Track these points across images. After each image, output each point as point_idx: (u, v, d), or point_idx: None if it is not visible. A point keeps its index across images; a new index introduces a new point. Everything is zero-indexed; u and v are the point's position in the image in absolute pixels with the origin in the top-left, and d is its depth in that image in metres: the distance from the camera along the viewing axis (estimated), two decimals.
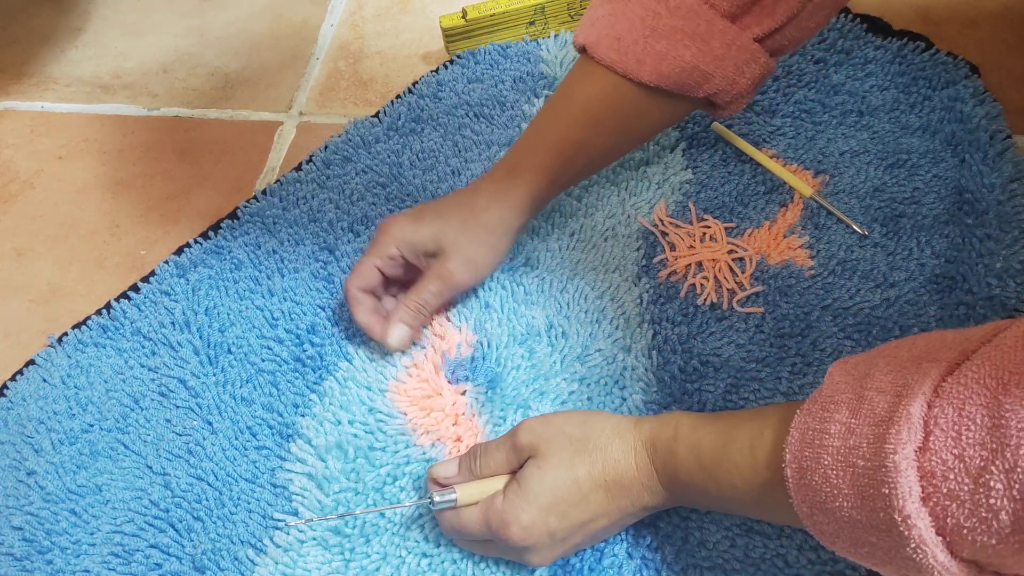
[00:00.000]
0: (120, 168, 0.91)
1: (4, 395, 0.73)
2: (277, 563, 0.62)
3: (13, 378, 0.74)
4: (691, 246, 0.75)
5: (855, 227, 0.75)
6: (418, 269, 0.70)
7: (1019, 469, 0.35)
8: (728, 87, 0.66)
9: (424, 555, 0.62)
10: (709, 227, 0.76)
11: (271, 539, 0.63)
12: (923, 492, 0.39)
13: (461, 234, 0.68)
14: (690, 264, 0.74)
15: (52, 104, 0.98)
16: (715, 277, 0.73)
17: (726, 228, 0.76)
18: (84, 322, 0.76)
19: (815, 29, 0.67)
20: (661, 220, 0.77)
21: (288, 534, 0.63)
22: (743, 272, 0.73)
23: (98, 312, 0.77)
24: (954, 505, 0.38)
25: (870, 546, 0.42)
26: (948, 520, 0.38)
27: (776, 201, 0.77)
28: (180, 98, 0.97)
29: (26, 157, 0.93)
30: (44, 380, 0.73)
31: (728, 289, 0.72)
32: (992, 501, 0.36)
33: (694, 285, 0.73)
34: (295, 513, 0.64)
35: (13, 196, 0.90)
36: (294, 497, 0.65)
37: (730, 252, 0.74)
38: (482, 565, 0.61)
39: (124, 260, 0.83)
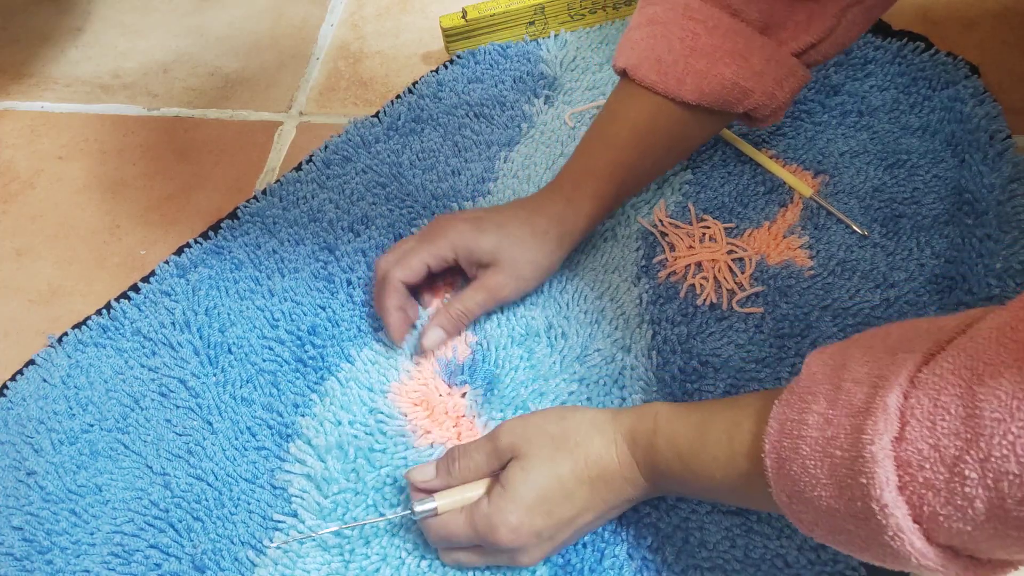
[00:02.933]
0: (120, 168, 0.91)
1: (4, 395, 0.73)
2: (277, 564, 0.62)
3: (13, 378, 0.74)
4: (691, 247, 0.75)
5: (855, 227, 0.75)
6: (456, 270, 0.71)
7: (993, 458, 0.36)
8: (767, 101, 0.67)
9: (424, 556, 0.62)
10: (709, 227, 0.76)
11: (271, 540, 0.63)
12: (900, 481, 0.39)
13: (519, 251, 0.68)
14: (689, 264, 0.74)
15: (52, 104, 0.98)
16: (715, 277, 0.73)
17: (726, 228, 0.76)
18: (84, 322, 0.76)
19: (849, 43, 0.68)
20: (660, 220, 0.77)
21: (287, 535, 0.63)
22: (743, 272, 0.73)
23: (98, 312, 0.77)
24: (930, 494, 0.38)
25: (848, 533, 0.43)
26: (924, 508, 0.39)
27: (776, 201, 0.77)
28: (180, 98, 0.97)
29: (26, 157, 0.93)
30: (44, 380, 0.73)
31: (728, 289, 0.72)
32: (967, 490, 0.37)
33: (693, 285, 0.73)
34: (295, 514, 0.64)
35: (13, 196, 0.90)
36: (294, 499, 0.65)
37: (730, 252, 0.74)
38: (483, 567, 0.61)
39: (124, 260, 0.83)
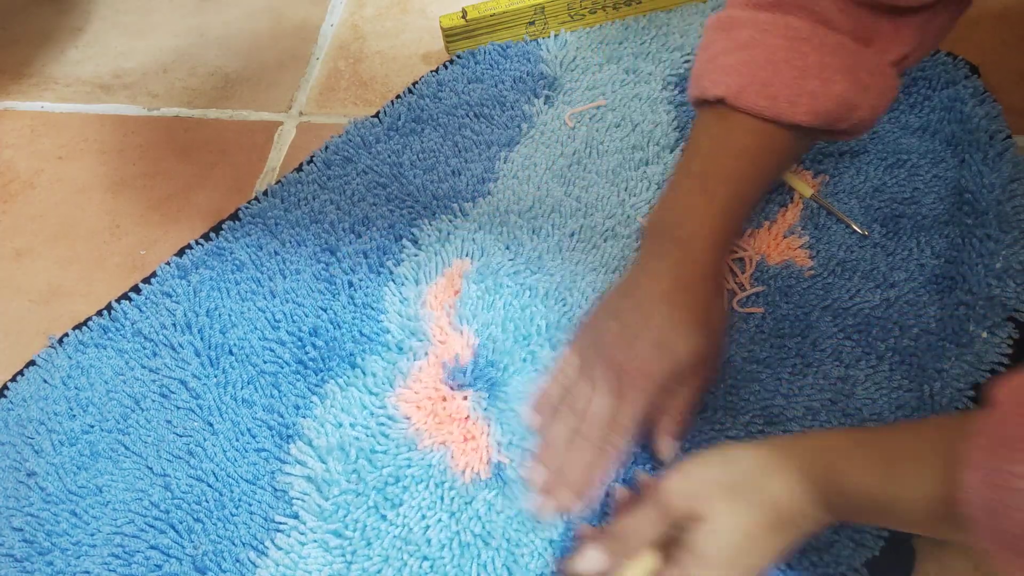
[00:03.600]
0: (120, 168, 0.91)
1: (4, 396, 0.73)
2: (278, 565, 0.62)
3: (14, 379, 0.74)
4: None
5: (855, 227, 0.75)
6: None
7: None
8: (871, 115, 0.64)
9: (425, 558, 0.62)
10: None
11: (272, 541, 0.63)
12: None
13: (705, 341, 0.63)
14: None
15: (52, 104, 0.98)
16: None
17: None
18: (85, 323, 0.76)
19: (934, 47, 0.66)
20: None
21: (289, 536, 0.63)
22: (743, 272, 0.73)
23: (99, 313, 0.77)
24: None
25: None
26: None
27: (776, 201, 0.77)
28: (180, 98, 0.97)
29: (26, 157, 0.93)
30: (45, 381, 0.73)
31: (728, 289, 0.72)
32: None
33: None
34: (296, 515, 0.64)
35: (13, 196, 0.90)
36: (295, 500, 0.65)
37: (730, 252, 0.74)
38: (485, 567, 0.61)
39: (124, 260, 0.83)
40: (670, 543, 0.54)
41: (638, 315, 0.63)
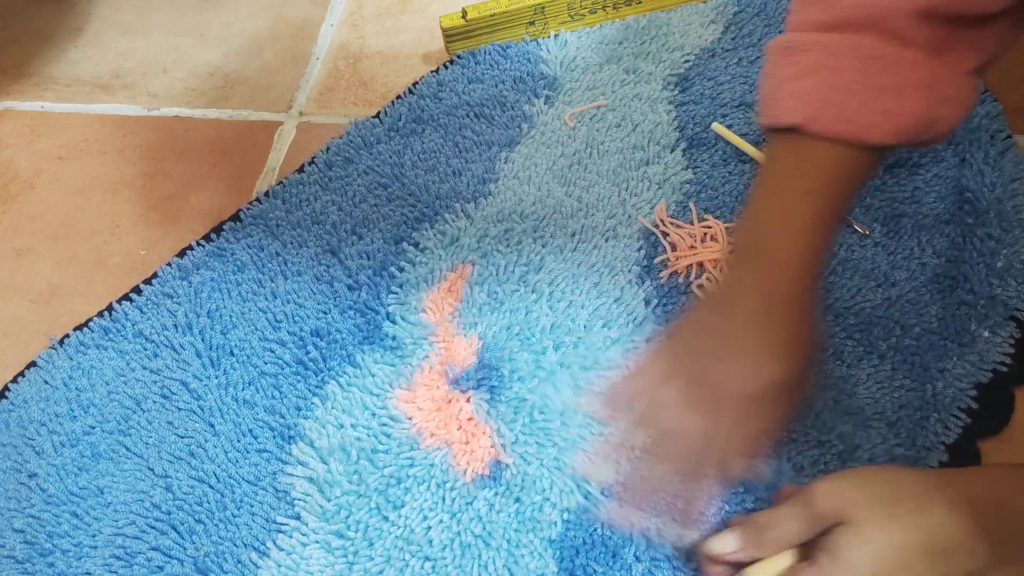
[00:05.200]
0: (120, 168, 0.91)
1: (6, 397, 0.73)
2: (280, 566, 0.62)
3: (15, 380, 0.74)
4: (692, 246, 0.75)
5: (856, 226, 0.75)
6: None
7: None
8: (951, 125, 0.62)
9: (427, 558, 0.62)
10: (710, 227, 0.76)
11: (274, 542, 0.63)
12: None
13: (797, 364, 0.60)
14: (691, 264, 0.74)
15: (52, 104, 0.98)
16: (717, 278, 0.73)
17: (727, 228, 0.76)
18: (86, 324, 0.76)
19: (1009, 49, 0.64)
20: (662, 220, 0.77)
21: (291, 536, 0.63)
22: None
23: (100, 314, 0.76)
24: None
25: None
26: None
27: None
28: (180, 98, 0.97)
29: (26, 157, 0.93)
30: (45, 382, 0.73)
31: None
32: None
33: (697, 286, 0.73)
34: (297, 516, 0.64)
35: (13, 196, 0.90)
36: (296, 501, 0.65)
37: (731, 252, 0.74)
38: (488, 568, 0.61)
39: (124, 260, 0.83)
40: (809, 544, 0.53)
41: (729, 332, 0.61)
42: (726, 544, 0.55)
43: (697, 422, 0.59)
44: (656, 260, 0.75)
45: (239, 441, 0.68)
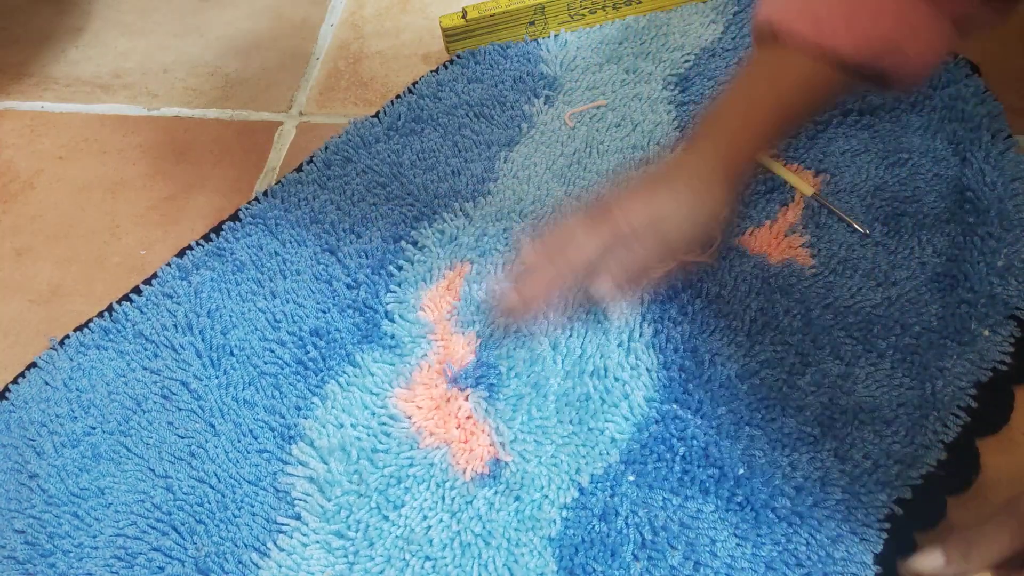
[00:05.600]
0: (120, 168, 0.91)
1: (6, 398, 0.73)
2: (280, 566, 0.62)
3: (15, 381, 0.74)
4: None
5: (856, 226, 0.75)
6: None
7: None
8: (919, 63, 0.66)
9: (427, 558, 0.62)
10: None
11: (274, 542, 0.63)
12: None
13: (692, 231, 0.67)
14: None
15: (52, 104, 0.98)
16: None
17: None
18: (86, 324, 0.76)
19: (1007, 19, 0.67)
20: None
21: (291, 537, 0.63)
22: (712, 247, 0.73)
23: (100, 314, 0.77)
24: None
25: None
26: None
27: (777, 200, 0.77)
28: (180, 98, 0.97)
29: (26, 157, 0.93)
30: (46, 383, 0.73)
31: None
32: None
33: (694, 283, 0.73)
34: (298, 516, 0.64)
35: (13, 196, 0.90)
36: (297, 501, 0.65)
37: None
38: (488, 568, 0.61)
39: (124, 260, 0.83)
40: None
41: (664, 178, 0.67)
42: (933, 561, 0.54)
43: (594, 235, 0.65)
44: None
45: (239, 441, 0.68)
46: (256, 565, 0.63)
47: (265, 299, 0.76)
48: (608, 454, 0.65)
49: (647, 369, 0.69)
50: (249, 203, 0.83)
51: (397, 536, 0.63)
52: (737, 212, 0.74)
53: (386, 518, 0.63)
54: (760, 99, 0.68)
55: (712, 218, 0.67)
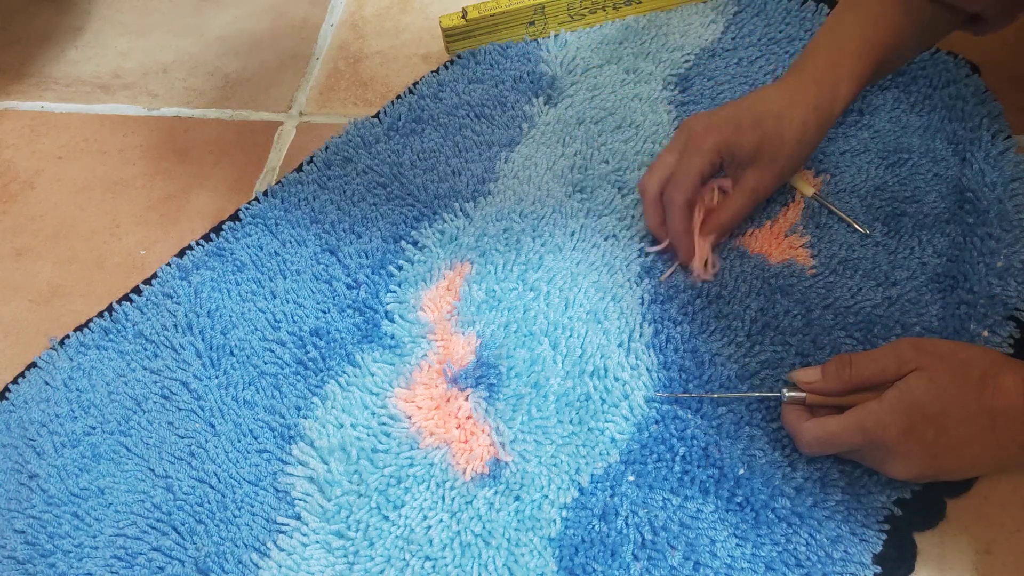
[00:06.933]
0: (120, 168, 0.91)
1: (6, 398, 0.73)
2: (281, 566, 0.62)
3: (15, 381, 0.74)
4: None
5: (856, 226, 0.75)
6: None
7: None
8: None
9: (427, 558, 0.62)
10: None
11: (274, 542, 0.63)
12: None
13: (779, 148, 0.69)
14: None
15: (52, 104, 0.98)
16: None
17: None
18: (86, 324, 0.76)
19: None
20: None
21: (291, 537, 0.63)
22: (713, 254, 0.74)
23: (100, 314, 0.77)
24: None
25: None
26: None
27: (777, 200, 0.77)
28: (180, 98, 0.97)
29: (26, 157, 0.93)
30: (46, 383, 0.73)
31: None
32: None
33: (695, 283, 0.73)
34: (298, 516, 0.64)
35: (13, 196, 0.90)
36: (297, 501, 0.65)
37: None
38: (488, 568, 0.61)
39: (124, 260, 0.83)
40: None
41: (741, 106, 0.70)
42: (809, 374, 0.61)
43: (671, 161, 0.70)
44: (651, 250, 0.75)
45: (239, 441, 0.68)
46: (256, 565, 0.63)
47: (265, 299, 0.76)
48: (608, 454, 0.65)
49: (647, 369, 0.69)
50: (249, 203, 0.83)
51: (397, 536, 0.63)
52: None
53: (386, 518, 0.63)
54: (848, 36, 0.70)
55: (800, 159, 0.71)
